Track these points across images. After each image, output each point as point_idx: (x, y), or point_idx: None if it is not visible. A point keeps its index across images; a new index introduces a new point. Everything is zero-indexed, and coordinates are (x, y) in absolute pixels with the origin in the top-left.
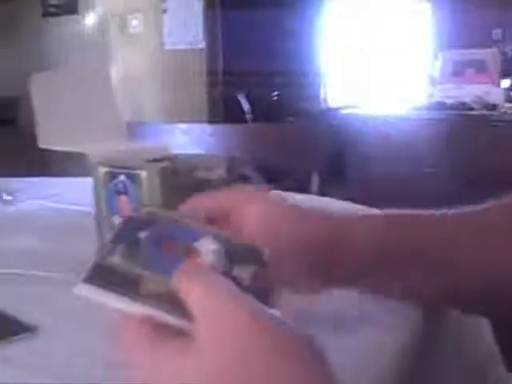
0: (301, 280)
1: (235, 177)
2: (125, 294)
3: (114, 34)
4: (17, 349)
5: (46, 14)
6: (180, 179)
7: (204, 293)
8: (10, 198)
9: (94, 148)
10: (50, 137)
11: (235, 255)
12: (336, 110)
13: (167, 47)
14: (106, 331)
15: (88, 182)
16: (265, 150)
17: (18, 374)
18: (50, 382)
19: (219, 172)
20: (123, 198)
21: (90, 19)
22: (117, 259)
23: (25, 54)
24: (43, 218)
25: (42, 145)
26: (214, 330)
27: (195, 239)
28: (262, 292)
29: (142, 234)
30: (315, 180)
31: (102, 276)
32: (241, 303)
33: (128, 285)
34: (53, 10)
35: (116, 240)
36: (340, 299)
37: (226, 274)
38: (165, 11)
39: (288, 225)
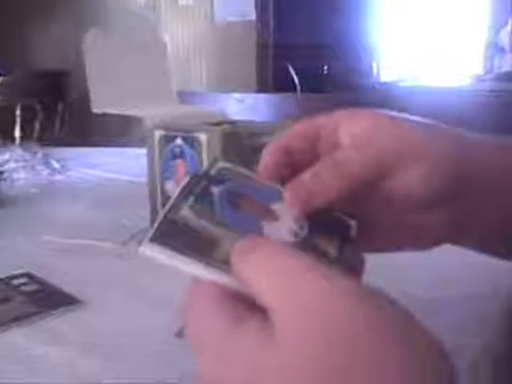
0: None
1: None
2: (199, 257)
3: (164, 6)
4: (62, 322)
5: None
6: (242, 143)
7: (270, 273)
8: (57, 165)
9: (148, 112)
10: (103, 100)
11: (318, 225)
12: (389, 83)
13: (217, 19)
14: (160, 304)
15: (144, 153)
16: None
17: (65, 351)
18: (100, 363)
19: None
20: (179, 162)
21: None
22: (187, 214)
23: (76, 27)
24: (93, 187)
25: (96, 108)
26: (293, 320)
27: (274, 201)
28: (350, 267)
29: (215, 190)
30: None
31: (171, 234)
32: (326, 277)
33: (202, 245)
34: None
35: (185, 195)
36: None
37: (307, 243)
38: None
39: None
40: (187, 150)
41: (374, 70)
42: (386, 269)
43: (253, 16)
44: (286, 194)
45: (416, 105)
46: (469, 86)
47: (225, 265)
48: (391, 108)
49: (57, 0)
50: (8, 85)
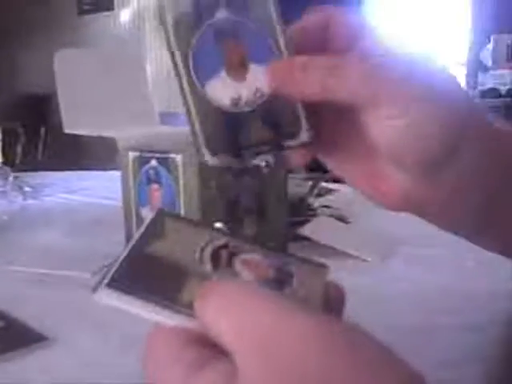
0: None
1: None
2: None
3: (149, 29)
4: (27, 363)
5: (81, 12)
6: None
7: (229, 314)
8: (29, 189)
9: (123, 132)
10: (76, 120)
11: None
12: None
13: None
14: (129, 343)
15: (119, 175)
16: None
17: None
18: None
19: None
20: (154, 186)
21: (124, 15)
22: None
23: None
24: (68, 212)
25: (68, 129)
26: (254, 361)
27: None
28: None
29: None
30: None
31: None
32: (288, 314)
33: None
34: (88, 7)
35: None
36: None
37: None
38: None
39: None
40: (163, 172)
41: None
42: (373, 302)
43: None
44: (269, 67)
45: None
46: None
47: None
48: None
49: (41, 23)
50: None
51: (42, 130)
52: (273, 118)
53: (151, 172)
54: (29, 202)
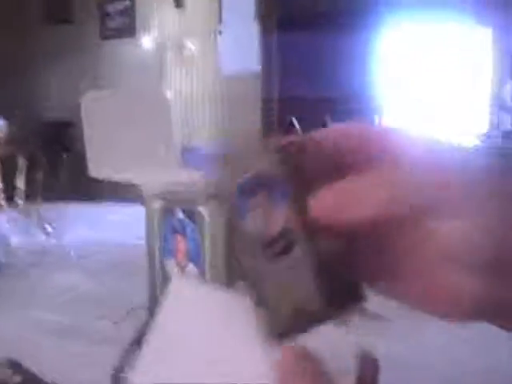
0: None
1: None
2: None
3: (170, 56)
4: None
5: (104, 37)
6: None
7: None
8: (50, 229)
9: (148, 178)
10: (101, 164)
11: None
12: None
13: (222, 70)
14: None
15: (142, 210)
16: None
17: None
18: None
19: None
20: (179, 237)
21: (147, 42)
22: None
23: (81, 76)
24: (89, 251)
25: (92, 173)
26: None
27: None
28: None
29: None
30: None
31: None
32: None
33: None
34: (111, 32)
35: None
36: None
37: None
38: (220, 33)
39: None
40: (188, 224)
41: (376, 122)
42: (404, 370)
43: (257, 67)
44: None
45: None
46: (474, 144)
47: None
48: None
49: (64, 48)
50: (13, 135)
51: (64, 157)
52: None
53: (176, 223)
54: (51, 241)
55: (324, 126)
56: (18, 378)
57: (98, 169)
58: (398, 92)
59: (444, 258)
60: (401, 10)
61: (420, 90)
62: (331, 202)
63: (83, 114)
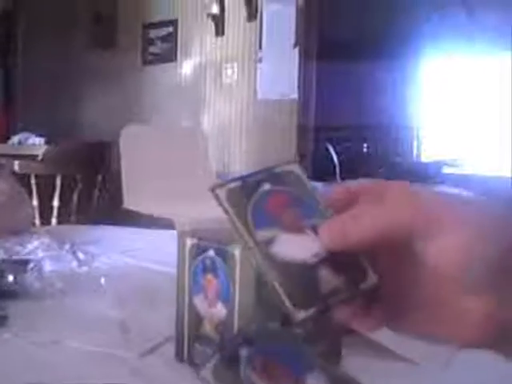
0: None
1: None
2: None
3: (209, 82)
4: None
5: (145, 62)
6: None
7: None
8: (83, 256)
9: (182, 213)
10: (137, 198)
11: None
12: (431, 164)
13: (260, 97)
14: None
15: (175, 236)
16: None
17: None
18: None
19: None
20: (210, 277)
21: (186, 68)
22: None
23: (122, 99)
24: (119, 278)
25: (128, 205)
26: None
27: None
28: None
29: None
30: None
31: None
32: None
33: None
34: (152, 57)
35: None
36: None
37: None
38: (260, 60)
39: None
40: (219, 263)
41: (415, 151)
42: None
43: (295, 95)
44: (321, 229)
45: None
46: None
47: None
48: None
49: (105, 72)
50: (51, 154)
51: (99, 178)
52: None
53: (208, 261)
54: (82, 268)
55: (336, 152)
56: None
57: (133, 201)
58: (437, 122)
59: (443, 279)
60: (442, 41)
61: (459, 117)
62: (337, 229)
63: (122, 147)
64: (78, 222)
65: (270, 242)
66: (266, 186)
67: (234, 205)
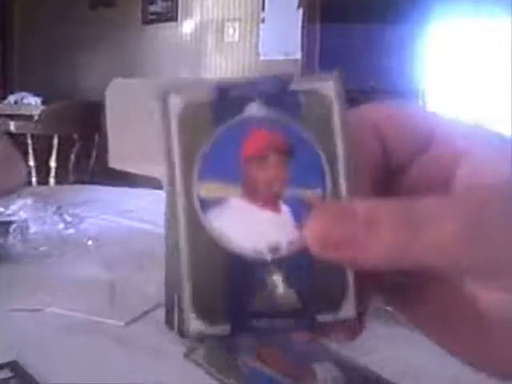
0: None
1: None
2: None
3: (210, 41)
4: None
5: (146, 22)
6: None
7: None
8: (70, 219)
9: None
10: (122, 156)
11: None
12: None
13: (262, 57)
14: None
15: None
16: None
17: None
18: None
19: None
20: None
21: (187, 27)
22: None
23: (122, 60)
24: (110, 240)
25: (113, 164)
26: None
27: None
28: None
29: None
30: None
31: None
32: None
33: None
34: (153, 17)
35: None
36: None
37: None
38: (263, 21)
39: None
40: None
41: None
42: None
43: (298, 55)
44: (309, 224)
45: None
46: None
47: None
48: None
49: (104, 31)
50: (47, 114)
51: (96, 138)
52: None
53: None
54: (69, 230)
55: None
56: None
57: (118, 160)
58: (442, 84)
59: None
60: (449, 2)
61: (465, 81)
62: (320, 234)
63: (107, 102)
64: (77, 182)
65: (211, 204)
66: (256, 111)
67: (186, 128)
